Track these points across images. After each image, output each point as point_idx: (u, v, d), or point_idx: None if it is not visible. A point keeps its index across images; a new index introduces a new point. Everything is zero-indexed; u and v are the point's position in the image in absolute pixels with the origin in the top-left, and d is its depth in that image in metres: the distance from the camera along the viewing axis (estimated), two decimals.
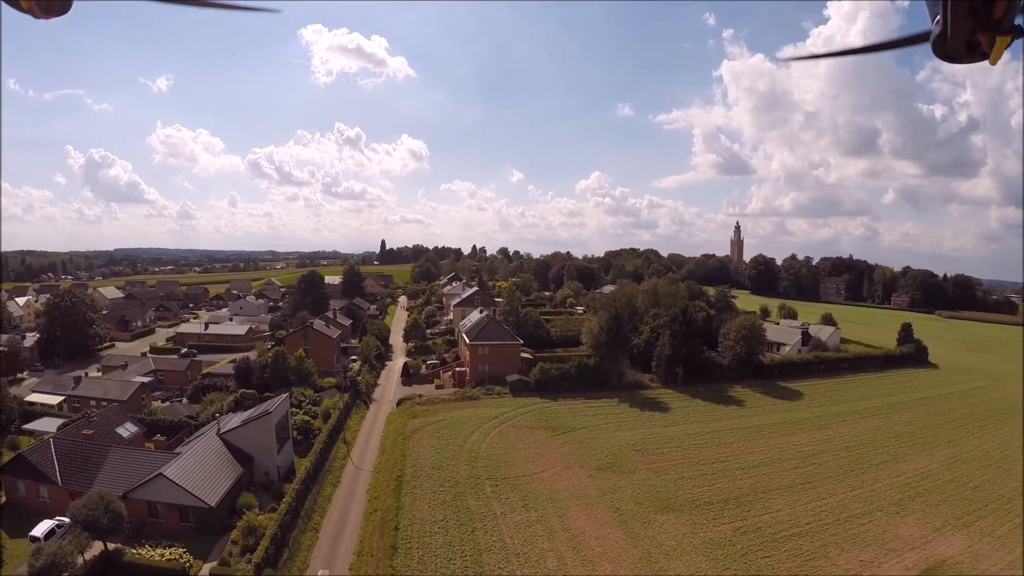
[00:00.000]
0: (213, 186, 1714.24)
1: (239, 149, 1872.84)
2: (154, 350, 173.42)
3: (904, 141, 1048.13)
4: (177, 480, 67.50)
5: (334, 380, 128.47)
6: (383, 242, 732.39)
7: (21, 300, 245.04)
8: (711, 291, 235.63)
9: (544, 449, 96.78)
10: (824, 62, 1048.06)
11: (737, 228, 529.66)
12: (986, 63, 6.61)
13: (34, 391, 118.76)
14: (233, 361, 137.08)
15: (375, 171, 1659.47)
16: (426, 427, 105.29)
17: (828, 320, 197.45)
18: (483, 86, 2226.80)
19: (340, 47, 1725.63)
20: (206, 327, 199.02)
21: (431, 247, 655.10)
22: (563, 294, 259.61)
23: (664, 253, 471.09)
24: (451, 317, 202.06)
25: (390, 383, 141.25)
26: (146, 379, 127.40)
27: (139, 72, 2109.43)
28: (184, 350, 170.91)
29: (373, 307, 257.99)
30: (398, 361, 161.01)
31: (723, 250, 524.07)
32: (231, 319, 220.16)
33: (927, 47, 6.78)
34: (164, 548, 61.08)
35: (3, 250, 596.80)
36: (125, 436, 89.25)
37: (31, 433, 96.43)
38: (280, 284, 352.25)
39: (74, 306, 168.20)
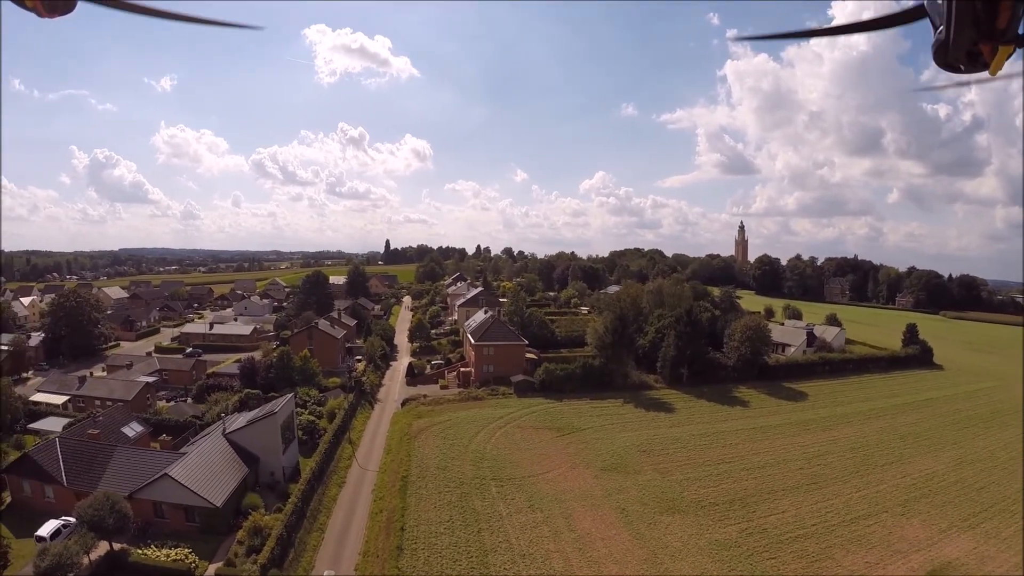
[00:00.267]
0: (217, 186, 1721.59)
1: (243, 149, 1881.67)
2: (159, 350, 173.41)
3: (908, 140, 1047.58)
4: (183, 480, 67.47)
5: (339, 380, 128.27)
6: (387, 242, 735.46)
7: (26, 300, 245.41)
8: (716, 291, 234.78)
9: (549, 450, 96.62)
10: (828, 60, 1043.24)
11: (741, 228, 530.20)
12: (986, 74, 6.55)
13: (39, 391, 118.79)
14: (238, 361, 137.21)
15: (379, 171, 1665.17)
16: (431, 427, 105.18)
17: (833, 321, 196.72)
18: (486, 86, 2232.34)
19: (344, 47, 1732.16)
20: (211, 327, 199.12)
21: (435, 247, 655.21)
22: (568, 294, 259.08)
23: (668, 253, 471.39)
24: (455, 317, 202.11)
25: (395, 383, 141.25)
26: (151, 379, 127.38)
27: (143, 72, 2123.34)
28: (189, 350, 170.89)
29: (378, 307, 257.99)
30: (403, 361, 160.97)
31: (727, 250, 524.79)
32: (236, 319, 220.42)
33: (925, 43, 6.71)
34: (170, 548, 61.08)
35: (8, 250, 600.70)
36: (130, 436, 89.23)
37: (36, 433, 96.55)
38: (285, 284, 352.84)
39: (79, 306, 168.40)
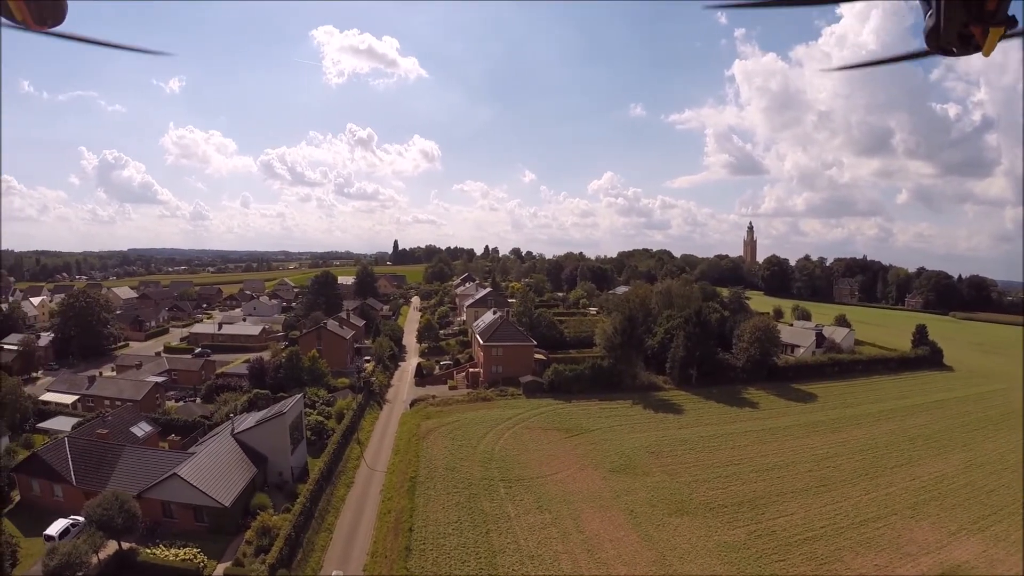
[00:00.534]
0: (226, 187, 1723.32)
1: (251, 150, 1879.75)
2: (168, 350, 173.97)
3: (918, 141, 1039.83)
4: (191, 480, 67.54)
5: (348, 381, 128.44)
6: (396, 242, 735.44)
7: (36, 300, 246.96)
8: (725, 292, 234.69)
9: (558, 450, 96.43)
10: (837, 61, 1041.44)
11: (750, 229, 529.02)
12: (980, 55, 6.58)
13: (49, 390, 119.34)
14: (247, 361, 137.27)
15: (387, 172, 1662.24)
16: (440, 428, 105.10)
17: (842, 321, 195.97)
18: (494, 86, 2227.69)
19: (351, 48, 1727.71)
20: (220, 327, 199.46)
21: (444, 248, 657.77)
22: (576, 295, 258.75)
23: (677, 254, 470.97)
24: (464, 318, 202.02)
25: (403, 384, 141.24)
26: (160, 379, 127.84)
27: (151, 74, 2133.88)
28: (198, 350, 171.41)
29: (386, 308, 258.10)
30: (411, 362, 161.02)
31: (736, 251, 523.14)
32: (245, 319, 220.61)
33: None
34: (178, 548, 61.04)
35: (18, 251, 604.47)
36: (139, 436, 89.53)
37: (46, 432, 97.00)
38: (293, 284, 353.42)
39: (88, 306, 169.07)
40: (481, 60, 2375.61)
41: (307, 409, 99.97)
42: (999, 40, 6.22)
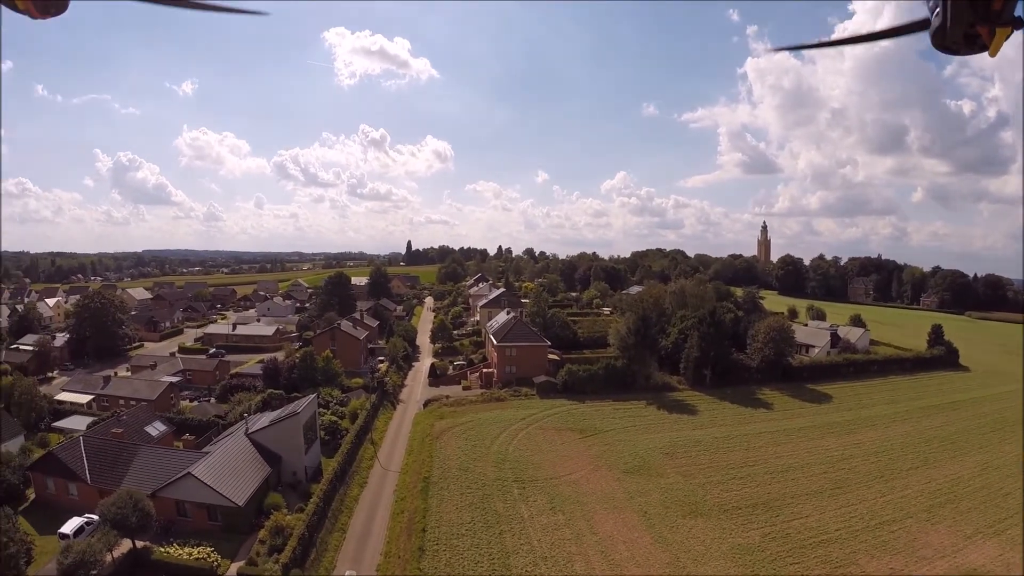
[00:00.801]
0: (239, 188, 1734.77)
1: (265, 151, 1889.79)
2: (182, 350, 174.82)
3: (932, 138, 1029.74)
4: (205, 479, 67.67)
5: (361, 381, 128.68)
6: (409, 243, 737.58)
7: (51, 301, 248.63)
8: (738, 292, 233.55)
9: (572, 451, 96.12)
10: (849, 57, 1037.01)
11: (764, 228, 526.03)
12: (986, 55, 6.40)
13: (64, 390, 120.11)
14: (261, 361, 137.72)
15: (400, 172, 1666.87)
16: (453, 428, 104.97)
17: (857, 321, 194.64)
18: (507, 87, 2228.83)
19: (363, 49, 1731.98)
20: (234, 328, 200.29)
21: (457, 248, 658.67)
22: (590, 295, 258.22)
23: (691, 253, 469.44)
24: (478, 318, 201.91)
25: (417, 384, 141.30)
26: (175, 379, 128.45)
27: (165, 77, 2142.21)
28: (212, 350, 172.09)
29: (400, 308, 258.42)
30: (425, 362, 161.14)
31: (750, 250, 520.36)
32: (259, 320, 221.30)
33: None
34: (192, 547, 61.26)
35: (34, 252, 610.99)
36: (154, 435, 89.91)
37: (61, 431, 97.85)
38: (307, 285, 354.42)
39: (103, 307, 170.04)
40: (493, 60, 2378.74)
41: (321, 409, 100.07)
42: (1005, 40, 6.13)
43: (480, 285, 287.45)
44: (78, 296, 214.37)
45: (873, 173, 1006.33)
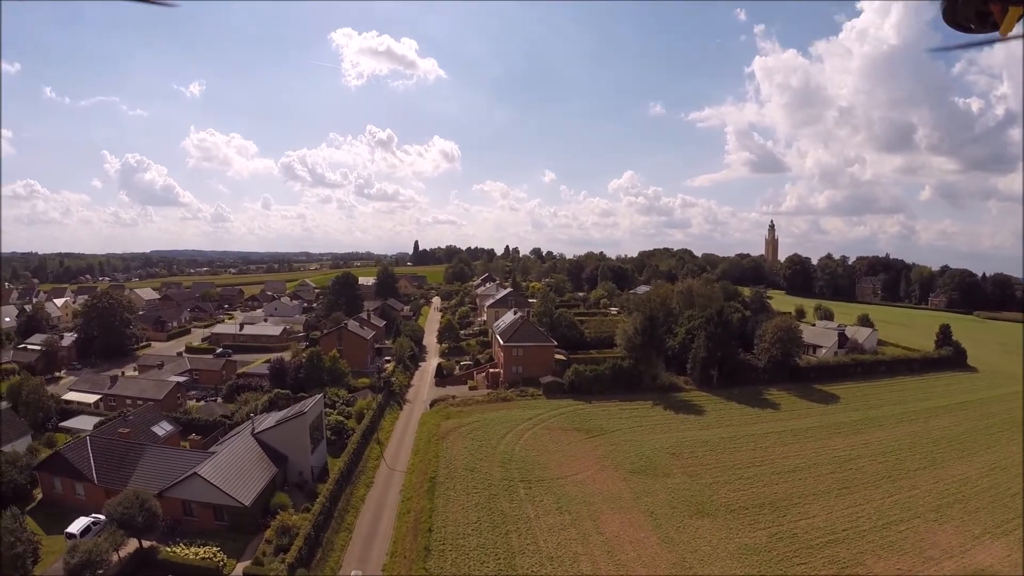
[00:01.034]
0: (247, 189, 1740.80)
1: (272, 152, 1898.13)
2: (190, 350, 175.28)
3: (940, 136, 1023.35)
4: (212, 479, 67.73)
5: (368, 381, 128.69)
6: (416, 243, 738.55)
7: (59, 301, 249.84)
8: (746, 292, 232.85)
9: (578, 451, 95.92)
10: (858, 56, 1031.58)
11: (771, 227, 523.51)
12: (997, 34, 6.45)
13: (71, 390, 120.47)
14: (268, 361, 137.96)
15: (407, 172, 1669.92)
16: (459, 428, 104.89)
17: (865, 321, 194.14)
18: (514, 87, 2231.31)
19: (370, 50, 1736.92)
20: (241, 328, 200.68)
21: (464, 248, 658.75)
22: (597, 295, 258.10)
23: (698, 253, 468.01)
24: (484, 318, 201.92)
25: (424, 384, 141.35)
26: (182, 379, 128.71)
27: (172, 78, 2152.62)
28: (219, 350, 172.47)
29: (407, 308, 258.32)
30: (432, 362, 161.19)
31: (757, 249, 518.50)
32: (266, 320, 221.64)
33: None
34: (198, 547, 61.36)
35: (42, 253, 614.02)
36: (160, 435, 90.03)
37: (68, 431, 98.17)
38: (314, 285, 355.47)
39: (111, 307, 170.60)
40: (500, 61, 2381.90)
41: (327, 409, 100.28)
42: (1018, 19, 5.97)
43: (487, 285, 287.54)
44: (86, 296, 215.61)
45: (881, 171, 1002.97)
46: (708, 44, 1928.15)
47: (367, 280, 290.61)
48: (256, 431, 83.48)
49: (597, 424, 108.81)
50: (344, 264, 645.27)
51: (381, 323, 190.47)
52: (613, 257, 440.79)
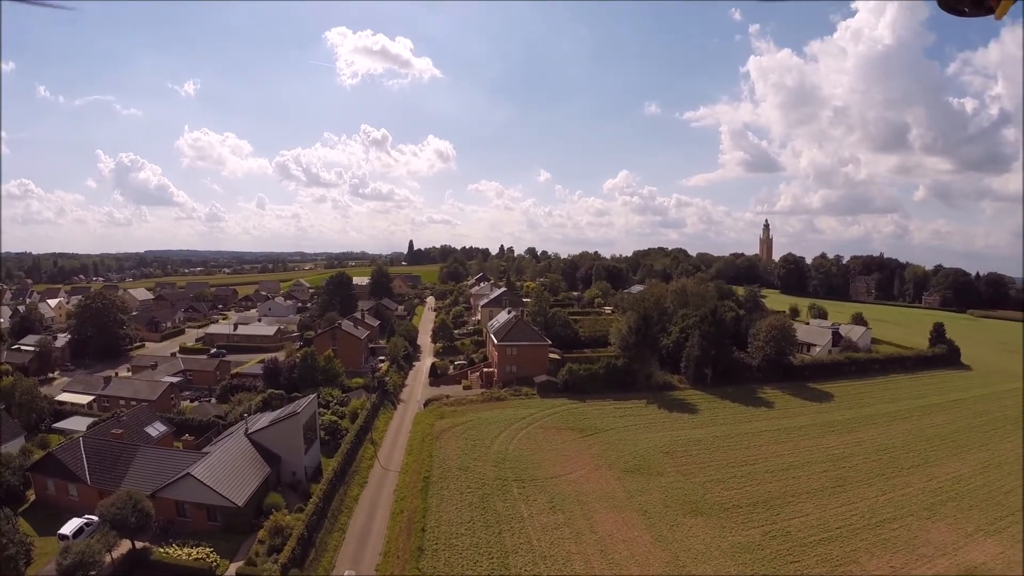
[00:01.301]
0: (241, 188, 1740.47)
1: (266, 152, 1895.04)
2: (183, 350, 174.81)
3: (935, 136, 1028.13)
4: (205, 480, 67.65)
5: (362, 380, 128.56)
6: (411, 243, 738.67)
7: (53, 302, 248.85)
8: (740, 291, 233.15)
9: (572, 450, 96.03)
10: (853, 56, 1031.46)
11: (766, 226, 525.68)
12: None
13: (65, 390, 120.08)
14: (262, 361, 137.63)
15: (402, 172, 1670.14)
16: (453, 428, 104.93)
17: (859, 320, 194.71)
18: (509, 86, 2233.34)
19: (365, 49, 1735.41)
20: (235, 328, 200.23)
21: (458, 248, 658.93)
22: (591, 294, 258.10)
23: (692, 252, 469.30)
24: (479, 318, 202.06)
25: (418, 384, 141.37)
26: (175, 379, 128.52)
27: (167, 78, 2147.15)
28: (213, 350, 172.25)
29: (401, 308, 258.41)
30: (426, 362, 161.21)
31: (752, 249, 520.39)
32: (260, 320, 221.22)
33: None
34: (191, 547, 61.23)
35: (36, 253, 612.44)
36: (154, 435, 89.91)
37: (61, 432, 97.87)
38: (309, 285, 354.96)
39: (105, 307, 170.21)
40: (495, 60, 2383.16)
41: (321, 409, 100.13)
42: (1012, 3, 5.98)
43: (481, 284, 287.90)
44: (80, 297, 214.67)
45: (875, 171, 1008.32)
46: (703, 44, 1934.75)
47: (361, 280, 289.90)
48: (250, 431, 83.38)
49: (591, 423, 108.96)
50: (339, 264, 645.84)
51: (375, 323, 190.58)
52: (608, 256, 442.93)
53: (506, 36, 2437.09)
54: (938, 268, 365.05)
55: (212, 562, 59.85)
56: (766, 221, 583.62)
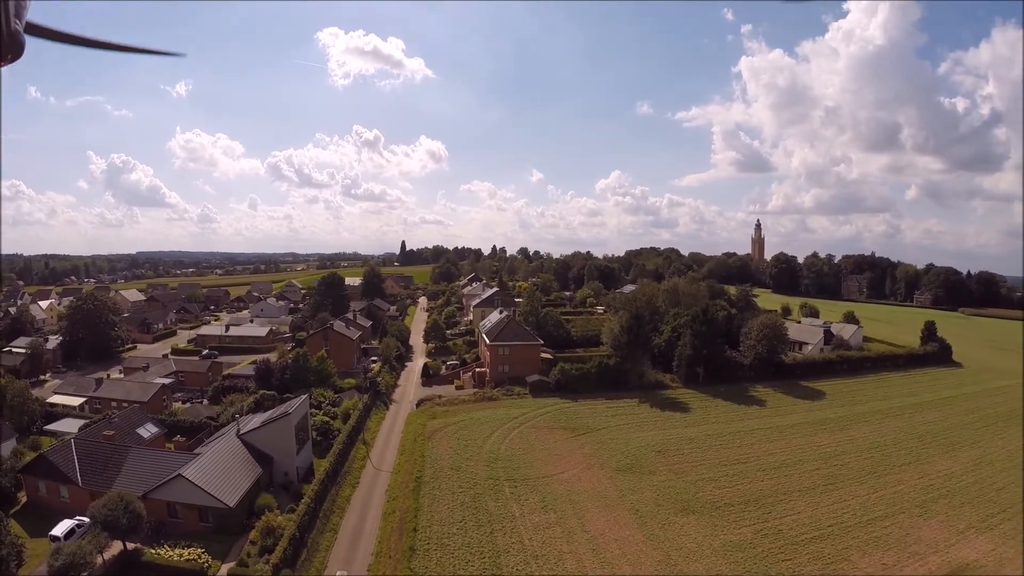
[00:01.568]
0: (233, 189, 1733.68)
1: (258, 153, 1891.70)
2: (175, 352, 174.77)
3: (926, 135, 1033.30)
4: (196, 481, 67.64)
5: (354, 381, 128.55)
6: (403, 243, 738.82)
7: (44, 303, 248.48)
8: (732, 290, 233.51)
9: (564, 450, 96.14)
10: (844, 55, 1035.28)
11: (758, 226, 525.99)
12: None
13: (56, 392, 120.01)
14: (254, 362, 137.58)
15: (394, 172, 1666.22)
16: (446, 428, 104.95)
17: (850, 318, 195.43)
18: (501, 87, 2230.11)
19: (357, 49, 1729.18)
20: (227, 329, 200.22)
21: (451, 248, 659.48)
22: (583, 294, 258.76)
23: (685, 252, 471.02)
24: (471, 318, 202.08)
25: (410, 384, 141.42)
26: (167, 380, 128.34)
27: (158, 79, 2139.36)
28: (205, 352, 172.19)
29: (393, 308, 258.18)
30: (418, 362, 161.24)
31: (744, 248, 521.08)
32: (252, 321, 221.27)
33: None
34: (183, 548, 61.26)
35: (27, 254, 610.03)
36: (145, 437, 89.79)
37: (53, 434, 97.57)
38: (301, 286, 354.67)
39: (96, 309, 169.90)
40: (488, 60, 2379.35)
41: (313, 410, 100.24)
42: None
43: (474, 285, 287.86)
44: (71, 298, 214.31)
45: (867, 171, 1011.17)
46: (695, 44, 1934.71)
47: (354, 280, 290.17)
48: (241, 432, 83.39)
49: (583, 422, 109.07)
50: (331, 264, 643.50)
51: (367, 323, 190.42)
52: (600, 256, 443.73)
53: (498, 36, 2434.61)
54: (929, 267, 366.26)
55: (204, 563, 59.88)
56: (758, 221, 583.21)
